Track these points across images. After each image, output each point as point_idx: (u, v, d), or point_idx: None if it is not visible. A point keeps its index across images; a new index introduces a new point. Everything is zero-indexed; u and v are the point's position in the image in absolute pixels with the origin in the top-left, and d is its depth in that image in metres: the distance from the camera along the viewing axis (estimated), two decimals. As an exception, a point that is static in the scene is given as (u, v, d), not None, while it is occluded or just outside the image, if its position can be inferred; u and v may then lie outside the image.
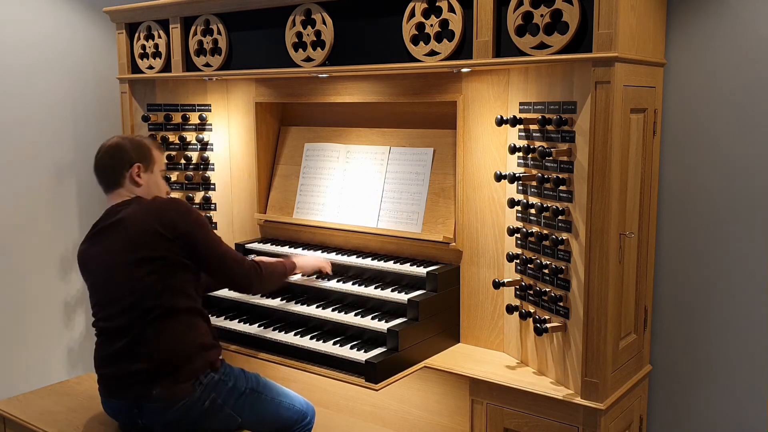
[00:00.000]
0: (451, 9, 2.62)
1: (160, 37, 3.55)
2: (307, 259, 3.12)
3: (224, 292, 3.27)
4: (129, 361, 2.51)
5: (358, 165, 3.30)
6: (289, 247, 3.39)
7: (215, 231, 3.56)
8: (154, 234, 2.51)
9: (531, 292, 2.69)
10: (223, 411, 2.58)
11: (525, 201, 2.67)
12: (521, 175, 2.62)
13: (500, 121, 2.66)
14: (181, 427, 2.54)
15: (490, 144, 2.85)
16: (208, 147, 3.68)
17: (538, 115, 2.55)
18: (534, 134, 2.62)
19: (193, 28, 3.40)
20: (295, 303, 3.08)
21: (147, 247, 2.51)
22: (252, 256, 3.19)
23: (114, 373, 2.56)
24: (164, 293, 2.51)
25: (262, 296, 3.19)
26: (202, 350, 2.55)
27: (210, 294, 3.25)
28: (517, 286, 2.75)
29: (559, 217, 2.52)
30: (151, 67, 3.62)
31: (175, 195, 3.71)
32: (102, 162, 2.71)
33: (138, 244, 2.52)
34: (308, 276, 3.16)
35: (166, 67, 3.56)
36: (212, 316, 3.14)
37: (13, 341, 3.89)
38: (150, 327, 2.49)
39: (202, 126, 3.68)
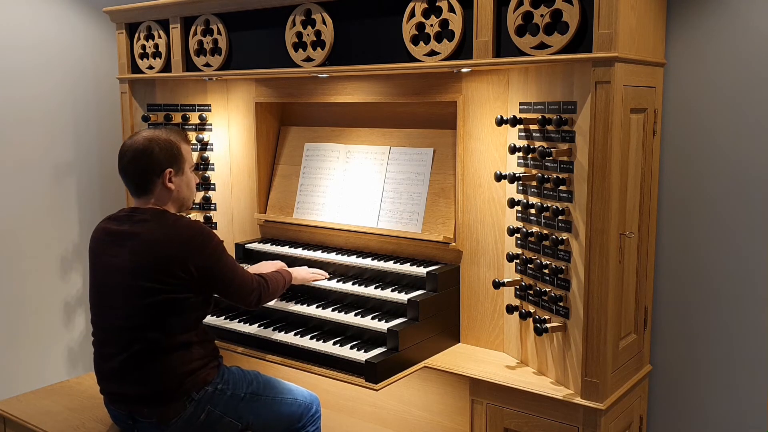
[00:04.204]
0: (451, 9, 2.62)
1: (160, 37, 3.55)
2: (300, 272, 3.07)
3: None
4: (120, 383, 2.49)
5: (358, 165, 3.30)
6: (289, 248, 3.38)
7: (216, 232, 3.55)
8: (166, 270, 2.39)
9: (531, 292, 2.69)
10: (222, 420, 2.55)
11: (525, 201, 2.67)
12: (521, 175, 2.62)
13: (500, 121, 2.66)
14: None
15: (490, 144, 2.85)
16: (208, 147, 3.68)
17: (538, 115, 2.55)
18: (534, 134, 2.62)
19: (193, 28, 3.40)
20: (295, 303, 3.08)
21: (156, 279, 2.39)
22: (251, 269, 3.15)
23: (108, 388, 2.56)
24: (161, 330, 2.42)
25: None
26: (194, 373, 2.49)
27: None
28: (517, 286, 2.75)
29: (559, 217, 2.52)
30: (151, 67, 3.62)
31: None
32: (129, 169, 2.53)
33: (146, 274, 2.40)
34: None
35: (166, 67, 3.56)
36: (212, 315, 3.14)
37: (13, 341, 3.89)
38: (141, 356, 2.43)
39: (202, 126, 3.68)
